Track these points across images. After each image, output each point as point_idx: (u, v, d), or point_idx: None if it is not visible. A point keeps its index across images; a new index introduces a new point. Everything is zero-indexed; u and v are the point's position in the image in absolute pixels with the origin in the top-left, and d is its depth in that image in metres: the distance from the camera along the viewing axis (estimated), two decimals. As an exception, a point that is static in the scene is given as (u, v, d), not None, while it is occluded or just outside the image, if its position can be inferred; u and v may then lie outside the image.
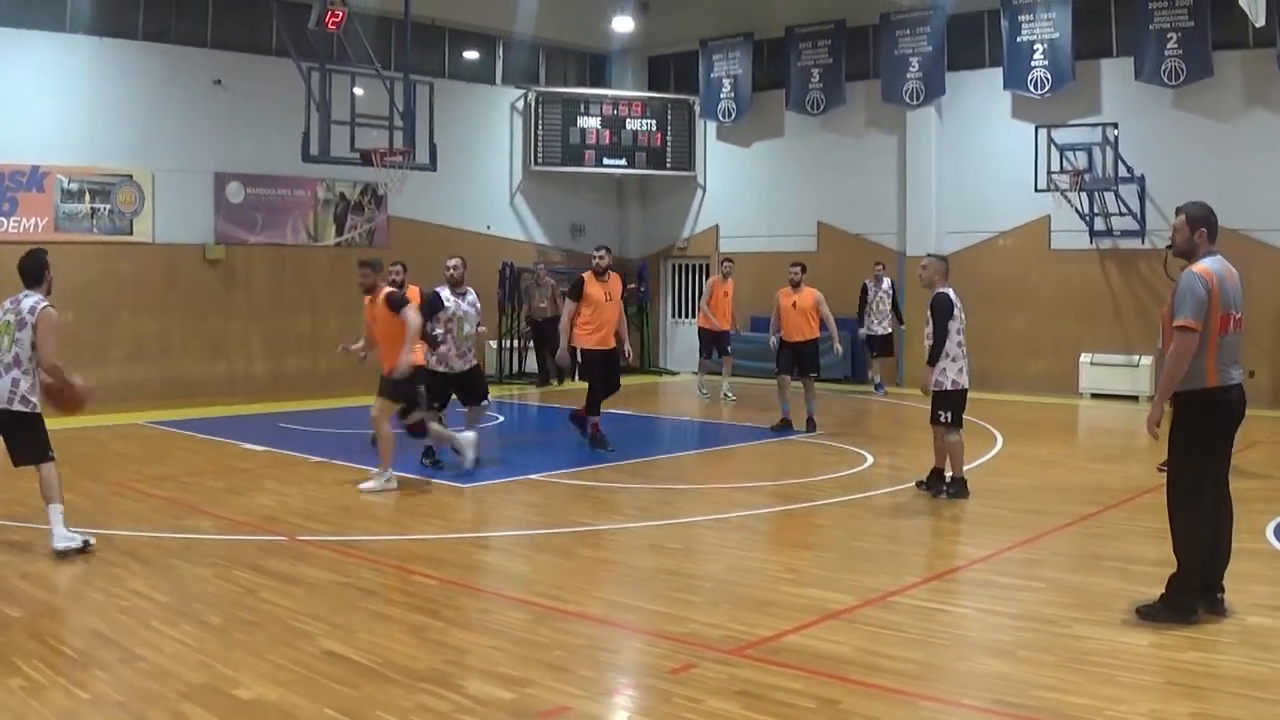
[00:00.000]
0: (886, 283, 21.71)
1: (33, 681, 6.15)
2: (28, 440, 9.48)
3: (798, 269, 17.17)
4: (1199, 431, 7.30)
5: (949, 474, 11.63)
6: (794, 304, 16.80)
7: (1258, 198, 19.56)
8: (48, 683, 6.15)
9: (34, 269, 9.75)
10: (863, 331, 21.82)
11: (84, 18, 19.77)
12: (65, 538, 9.13)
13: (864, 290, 21.72)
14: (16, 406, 9.36)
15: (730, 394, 20.87)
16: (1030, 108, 21.96)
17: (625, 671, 6.79)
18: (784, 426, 16.59)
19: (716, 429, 17.70)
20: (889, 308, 21.69)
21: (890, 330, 21.84)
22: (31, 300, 9.56)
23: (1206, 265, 7.25)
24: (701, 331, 21.17)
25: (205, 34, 21.41)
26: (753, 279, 25.13)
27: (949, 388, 11.35)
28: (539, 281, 24.24)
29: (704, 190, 27.47)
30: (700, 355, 22.02)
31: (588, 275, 14.63)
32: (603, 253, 14.75)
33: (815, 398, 17.06)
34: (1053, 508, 11.12)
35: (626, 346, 14.85)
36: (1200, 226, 7.34)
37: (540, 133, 26.28)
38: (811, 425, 16.61)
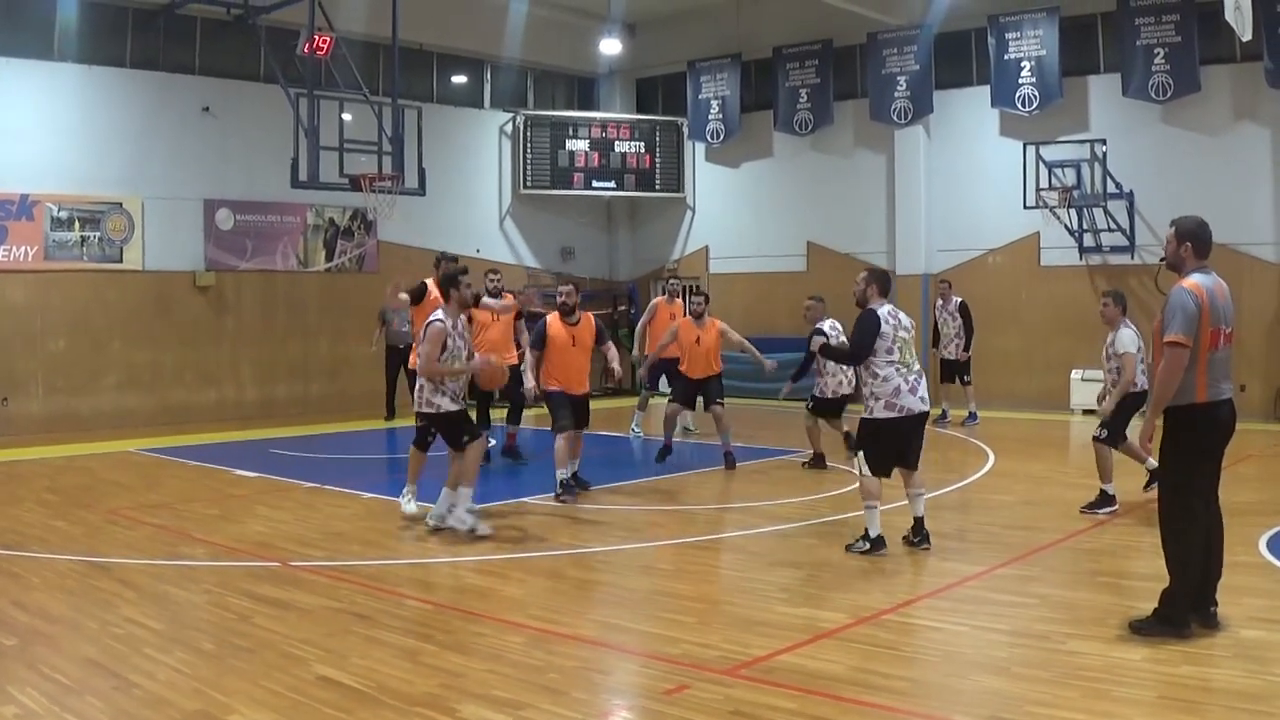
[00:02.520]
0: (956, 301, 20.25)
1: (27, 710, 6.13)
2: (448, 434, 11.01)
3: (701, 300, 15.88)
4: (1189, 447, 7.30)
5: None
6: (698, 340, 15.44)
7: (1247, 212, 19.64)
8: (42, 711, 6.13)
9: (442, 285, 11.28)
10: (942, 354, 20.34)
11: (72, 46, 19.79)
12: (462, 520, 10.75)
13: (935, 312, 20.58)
14: (424, 409, 10.98)
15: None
16: (1018, 125, 22.03)
17: (619, 693, 6.78)
18: (668, 452, 15.55)
19: (707, 450, 17.69)
20: (958, 330, 20.12)
21: (956, 356, 20.13)
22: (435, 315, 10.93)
23: (1197, 280, 7.22)
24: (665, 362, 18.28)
25: (193, 61, 21.43)
26: (743, 300, 25.20)
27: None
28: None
29: (693, 211, 27.50)
30: (648, 387, 20.42)
31: (552, 317, 12.97)
32: (569, 289, 13.07)
33: (729, 429, 15.47)
34: (1045, 524, 11.12)
35: (616, 367, 13.26)
36: (1186, 240, 7.31)
37: (529, 156, 26.30)
38: (730, 461, 15.14)
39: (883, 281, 10.26)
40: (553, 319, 12.88)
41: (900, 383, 9.77)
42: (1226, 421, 7.36)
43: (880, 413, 9.79)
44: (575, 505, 12.33)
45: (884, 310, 9.97)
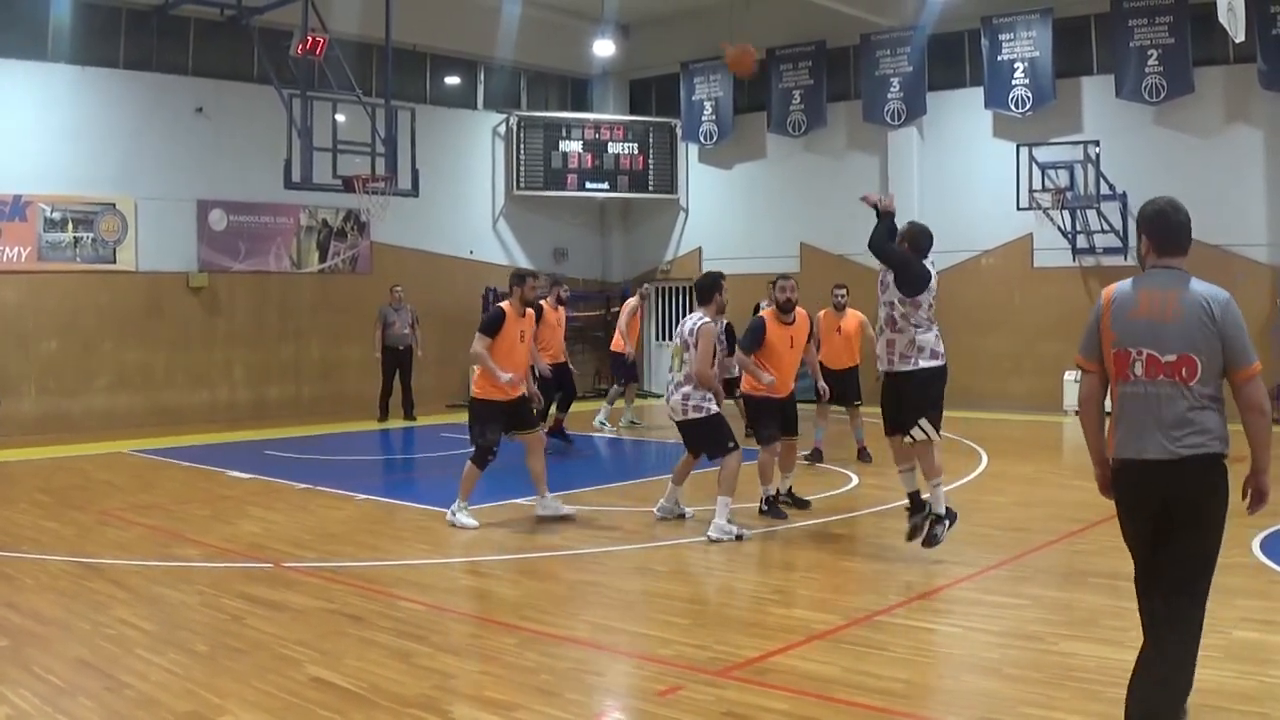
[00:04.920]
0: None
1: (19, 710, 6.12)
2: (707, 440, 11.00)
3: (843, 291, 16.18)
4: (1121, 522, 5.54)
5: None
6: (839, 330, 15.89)
7: (1241, 213, 19.68)
8: (35, 712, 6.12)
9: (704, 289, 11.40)
10: None
11: (65, 47, 19.77)
12: (723, 529, 10.51)
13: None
14: (691, 415, 10.90)
15: (636, 420, 20.41)
16: (1011, 126, 22.06)
17: (613, 694, 6.78)
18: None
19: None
20: None
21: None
22: (693, 320, 11.09)
23: (1119, 284, 5.45)
24: (617, 356, 19.66)
25: (187, 62, 21.42)
26: (736, 301, 25.07)
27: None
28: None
29: (686, 213, 27.53)
30: (620, 383, 20.22)
31: (769, 316, 11.81)
32: (790, 283, 11.84)
33: (860, 425, 15.92)
34: (1038, 525, 11.14)
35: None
36: (1141, 232, 5.51)
37: (522, 157, 26.30)
38: (866, 455, 15.54)
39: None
40: (770, 318, 11.71)
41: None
42: (1142, 496, 5.33)
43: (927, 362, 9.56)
44: (571, 508, 12.26)
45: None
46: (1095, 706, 6.04)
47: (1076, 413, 6.03)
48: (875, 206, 10.00)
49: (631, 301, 20.07)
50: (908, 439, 9.55)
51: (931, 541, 9.46)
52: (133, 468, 15.80)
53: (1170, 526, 5.18)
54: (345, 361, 22.73)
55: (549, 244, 27.19)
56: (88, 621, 7.92)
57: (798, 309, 11.79)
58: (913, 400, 9.51)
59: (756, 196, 26.21)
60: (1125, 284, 5.38)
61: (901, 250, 9.75)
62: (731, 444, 10.82)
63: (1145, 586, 5.32)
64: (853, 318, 15.97)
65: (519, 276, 11.81)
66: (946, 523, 9.50)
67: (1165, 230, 5.40)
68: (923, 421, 9.42)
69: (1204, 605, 5.19)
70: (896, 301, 9.51)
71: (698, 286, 11.54)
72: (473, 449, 11.46)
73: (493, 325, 11.36)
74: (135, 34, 20.78)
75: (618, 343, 19.50)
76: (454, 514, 11.38)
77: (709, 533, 10.56)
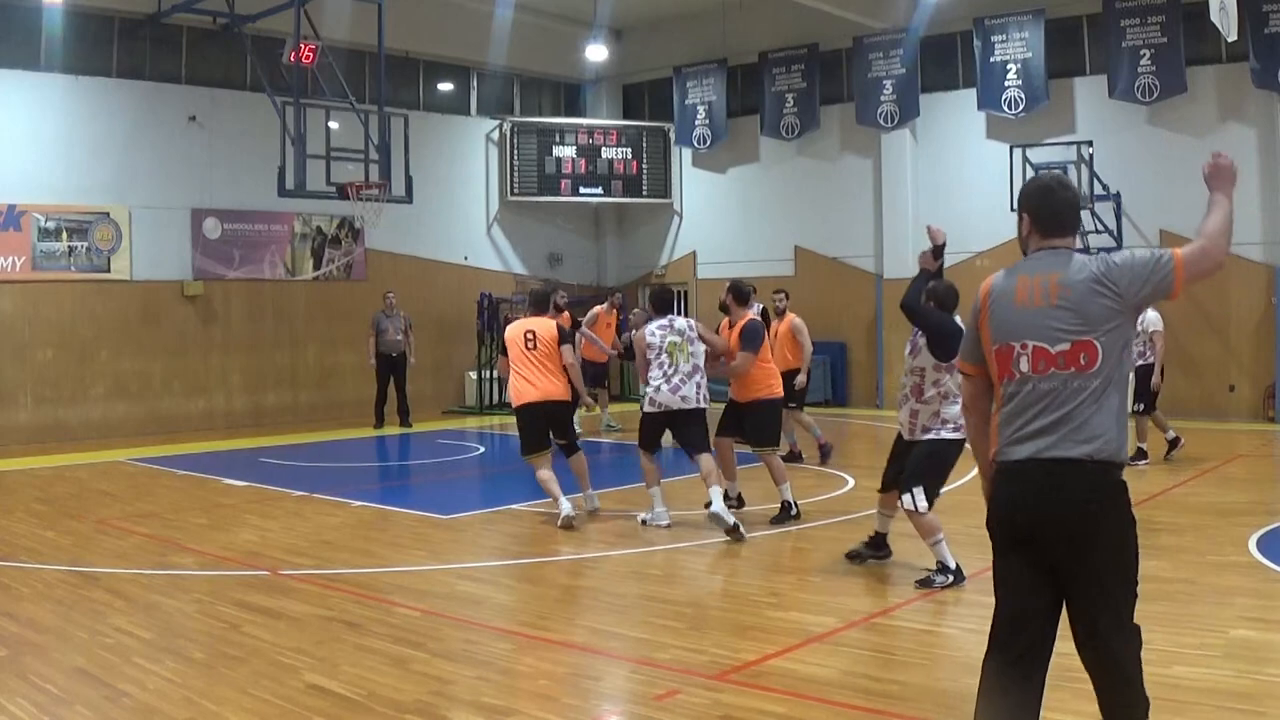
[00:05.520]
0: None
1: (15, 721, 6.13)
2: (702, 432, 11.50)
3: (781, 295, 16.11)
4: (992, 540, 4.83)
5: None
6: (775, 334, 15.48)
7: (1235, 212, 19.59)
8: (30, 723, 6.12)
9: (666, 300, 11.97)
10: None
11: (58, 56, 19.74)
12: (721, 511, 10.75)
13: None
14: (701, 404, 11.44)
15: (614, 424, 20.35)
16: (1005, 128, 22.09)
17: (610, 699, 6.77)
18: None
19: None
20: None
21: None
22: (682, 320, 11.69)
23: (995, 275, 4.84)
24: (589, 363, 18.88)
25: (180, 71, 21.42)
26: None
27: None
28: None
29: (681, 217, 27.55)
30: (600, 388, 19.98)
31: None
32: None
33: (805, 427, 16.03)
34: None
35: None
36: (1022, 211, 4.77)
37: (516, 163, 26.31)
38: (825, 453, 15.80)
39: None
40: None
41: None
42: (1023, 514, 4.55)
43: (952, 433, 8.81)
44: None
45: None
46: (1093, 708, 5.98)
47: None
48: (934, 244, 9.01)
49: (598, 309, 19.87)
50: (900, 500, 8.96)
51: (925, 584, 8.83)
52: (129, 476, 15.79)
53: (1041, 538, 4.49)
54: (341, 368, 22.74)
55: (543, 249, 27.20)
56: (85, 630, 7.91)
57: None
58: (920, 463, 8.86)
59: (750, 200, 26.24)
60: (1001, 274, 4.76)
61: (937, 311, 8.80)
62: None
63: (1010, 650, 4.75)
64: (786, 322, 15.79)
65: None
66: (950, 578, 8.80)
67: (1051, 209, 4.70)
68: (916, 490, 8.75)
69: (1138, 640, 4.58)
70: (929, 368, 8.82)
71: (663, 298, 12.02)
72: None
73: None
74: (128, 43, 20.77)
75: (587, 349, 19.03)
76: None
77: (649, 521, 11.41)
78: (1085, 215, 20.80)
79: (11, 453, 17.66)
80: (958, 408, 8.55)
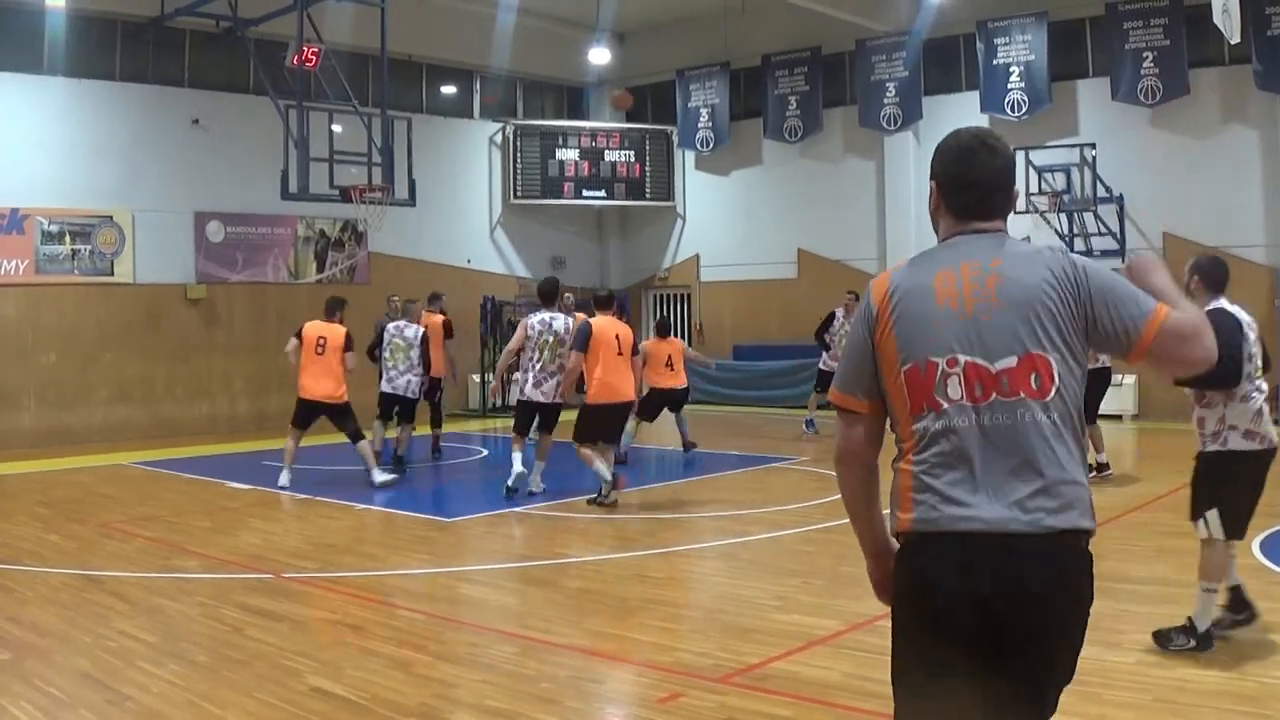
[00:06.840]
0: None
1: (18, 725, 6.13)
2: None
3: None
4: (897, 643, 3.39)
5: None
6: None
7: (1237, 214, 19.70)
8: (34, 726, 6.12)
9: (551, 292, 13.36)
10: (822, 365, 19.38)
11: (61, 60, 19.78)
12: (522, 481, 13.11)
13: (829, 319, 19.45)
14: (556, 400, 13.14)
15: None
16: (1007, 130, 21.99)
17: (613, 702, 6.78)
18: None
19: (701, 458, 17.65)
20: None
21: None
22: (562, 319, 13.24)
23: (892, 272, 3.53)
24: None
25: (183, 74, 21.44)
26: (734, 308, 25.23)
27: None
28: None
29: (684, 220, 27.55)
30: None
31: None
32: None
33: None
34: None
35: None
36: (933, 179, 3.71)
37: (519, 166, 26.33)
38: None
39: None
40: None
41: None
42: (957, 592, 3.11)
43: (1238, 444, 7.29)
44: (569, 516, 12.28)
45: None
46: (1096, 709, 6.03)
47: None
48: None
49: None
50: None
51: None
52: (133, 480, 15.80)
53: (1003, 645, 3.07)
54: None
55: (547, 252, 27.20)
56: (89, 634, 7.91)
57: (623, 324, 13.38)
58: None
59: (753, 203, 26.23)
60: (903, 269, 3.45)
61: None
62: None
63: None
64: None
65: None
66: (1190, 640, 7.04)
67: (966, 180, 3.45)
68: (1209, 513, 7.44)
69: None
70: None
71: (545, 290, 13.47)
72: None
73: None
74: (131, 46, 20.80)
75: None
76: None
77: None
78: (1088, 217, 20.84)
79: (15, 456, 17.67)
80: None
